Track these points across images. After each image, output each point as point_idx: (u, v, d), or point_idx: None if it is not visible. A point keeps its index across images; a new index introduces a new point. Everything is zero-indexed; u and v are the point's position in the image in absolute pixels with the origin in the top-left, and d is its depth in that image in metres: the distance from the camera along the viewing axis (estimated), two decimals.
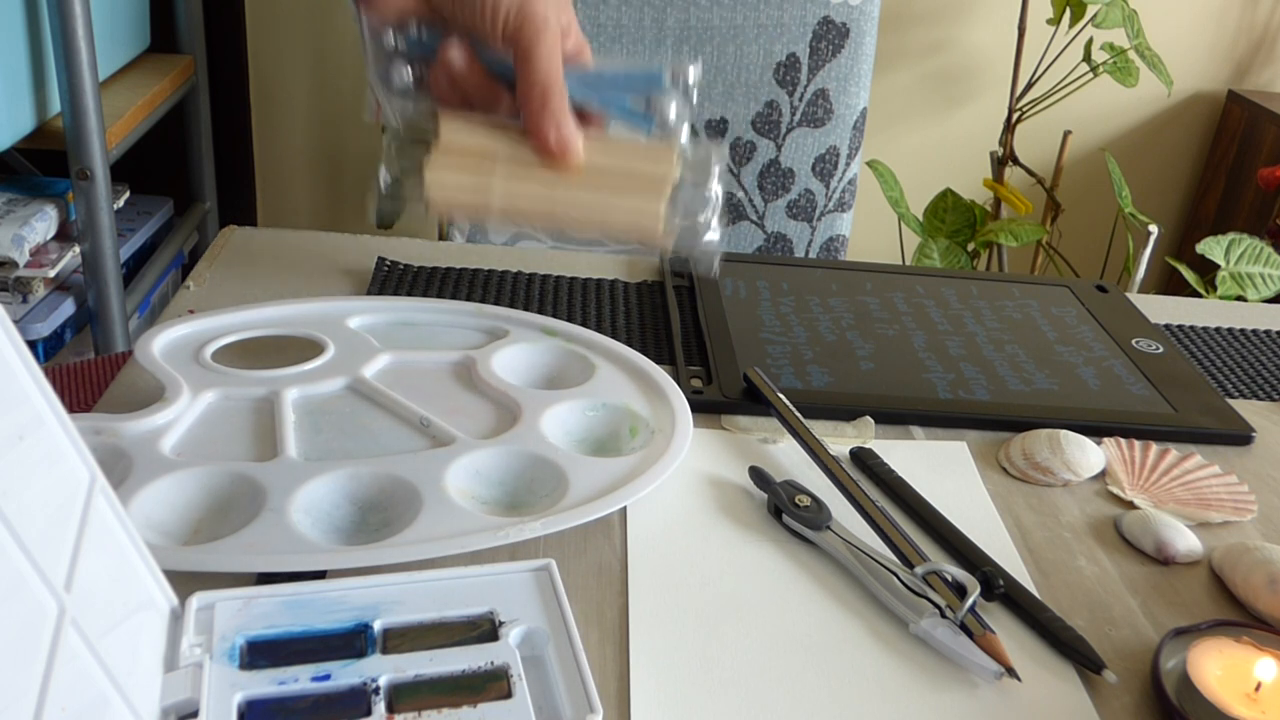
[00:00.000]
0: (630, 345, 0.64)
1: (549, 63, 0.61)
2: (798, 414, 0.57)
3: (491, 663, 0.40)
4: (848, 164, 1.18)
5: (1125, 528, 0.54)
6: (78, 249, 1.31)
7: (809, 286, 0.75)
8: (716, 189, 0.62)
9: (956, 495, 0.55)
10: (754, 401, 0.60)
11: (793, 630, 0.46)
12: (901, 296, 0.75)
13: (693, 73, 0.65)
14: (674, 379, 0.60)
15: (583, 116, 0.64)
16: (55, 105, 1.27)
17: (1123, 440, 0.60)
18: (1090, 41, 1.67)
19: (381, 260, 0.74)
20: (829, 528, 0.50)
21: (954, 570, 0.47)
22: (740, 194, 1.18)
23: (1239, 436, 0.63)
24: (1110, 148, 1.97)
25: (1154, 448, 0.60)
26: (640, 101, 0.64)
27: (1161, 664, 0.44)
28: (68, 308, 1.30)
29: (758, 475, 0.54)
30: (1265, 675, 0.43)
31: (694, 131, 0.66)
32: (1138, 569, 0.52)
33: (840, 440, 0.59)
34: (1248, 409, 0.66)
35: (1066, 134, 1.76)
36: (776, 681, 0.43)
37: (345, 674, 0.39)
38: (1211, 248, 1.52)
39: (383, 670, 0.39)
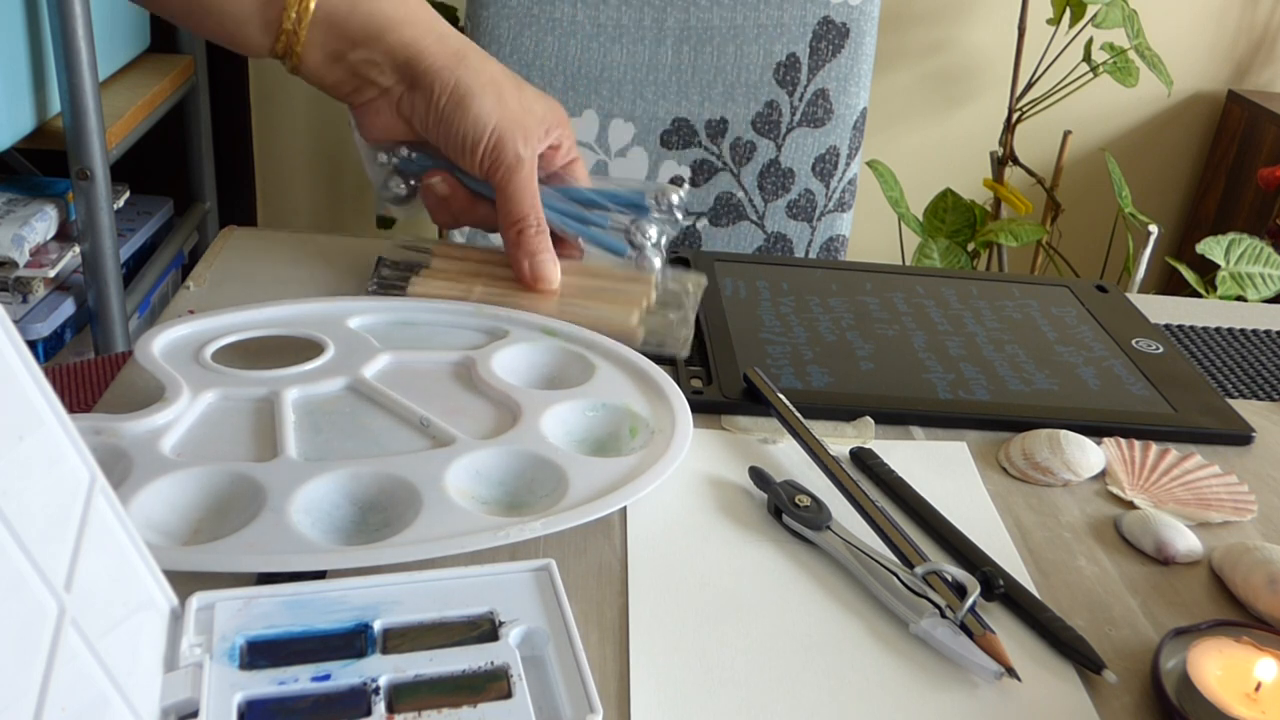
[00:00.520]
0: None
1: (522, 198, 0.67)
2: (798, 414, 0.57)
3: (491, 663, 0.40)
4: (848, 164, 1.18)
5: (1125, 528, 0.54)
6: (78, 249, 1.31)
7: (809, 286, 0.75)
8: (691, 313, 0.68)
9: (956, 495, 0.55)
10: (754, 401, 0.60)
11: (793, 630, 0.46)
12: (901, 296, 0.75)
13: (677, 196, 0.69)
14: (674, 379, 0.60)
15: (562, 240, 0.70)
16: (55, 105, 1.27)
17: (1123, 440, 0.60)
18: (1090, 41, 1.67)
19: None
20: (829, 528, 0.50)
21: (954, 570, 0.47)
22: (740, 194, 1.18)
23: (1239, 436, 0.63)
24: (1110, 148, 1.97)
25: (1154, 448, 0.60)
26: (621, 222, 0.69)
27: (1161, 664, 0.44)
28: (68, 308, 1.30)
29: (758, 475, 0.54)
30: (1265, 675, 0.43)
31: (683, 261, 0.70)
32: (1138, 569, 0.52)
33: (840, 440, 0.59)
34: (1248, 409, 0.66)
35: (1066, 134, 1.76)
36: (776, 681, 0.43)
37: (345, 674, 0.39)
38: (1211, 248, 1.52)
39: (383, 670, 0.39)
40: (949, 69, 1.91)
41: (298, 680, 0.38)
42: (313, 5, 0.62)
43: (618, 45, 1.11)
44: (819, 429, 0.58)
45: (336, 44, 0.64)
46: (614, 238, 0.70)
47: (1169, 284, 2.02)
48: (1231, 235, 1.53)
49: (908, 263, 1.82)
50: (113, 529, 0.36)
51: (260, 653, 0.40)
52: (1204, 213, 2.00)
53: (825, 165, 1.17)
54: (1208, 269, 1.58)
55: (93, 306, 1.33)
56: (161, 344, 0.58)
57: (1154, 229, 1.60)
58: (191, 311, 0.67)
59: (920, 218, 1.69)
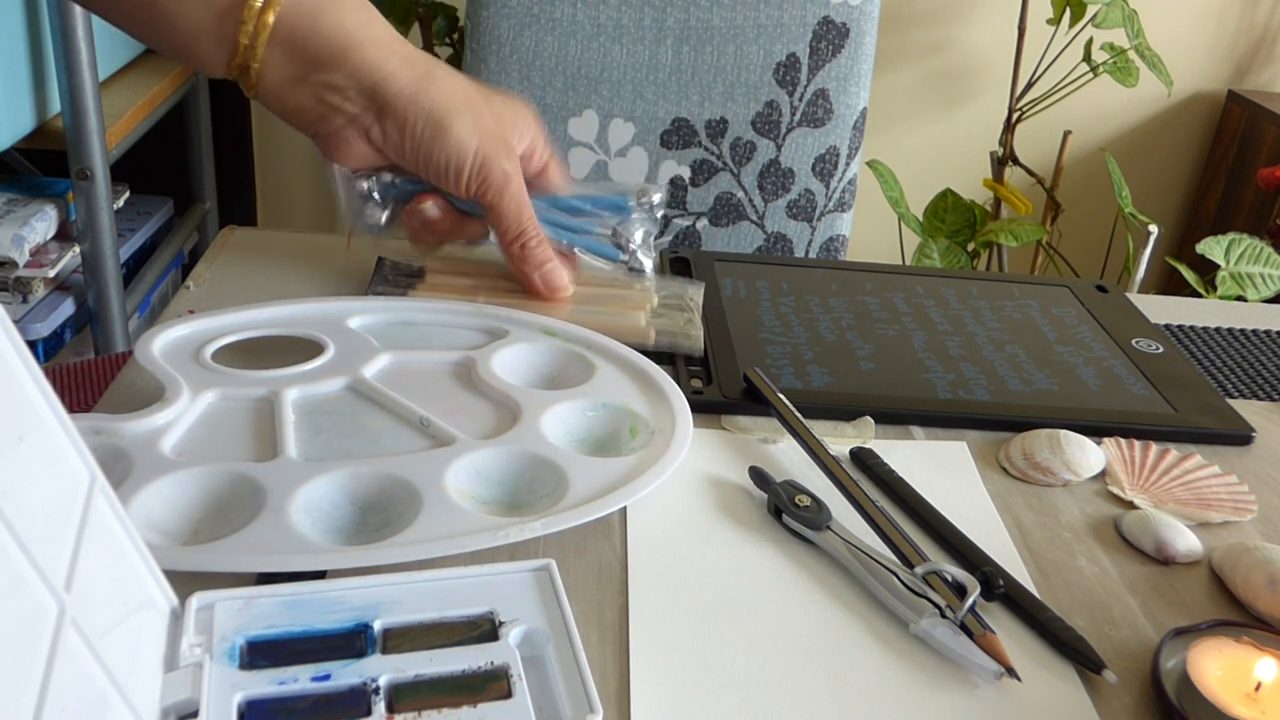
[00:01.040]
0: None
1: (518, 213, 0.65)
2: (798, 414, 0.57)
3: (491, 663, 0.40)
4: (848, 164, 1.18)
5: (1125, 528, 0.54)
6: (78, 249, 1.31)
7: (809, 286, 0.75)
8: (698, 314, 0.67)
9: (956, 495, 0.55)
10: (754, 401, 0.60)
11: (793, 630, 0.46)
12: (901, 296, 0.75)
13: (658, 196, 0.69)
14: (674, 379, 0.60)
15: (559, 251, 0.69)
16: (55, 105, 1.27)
17: (1123, 440, 0.60)
18: (1090, 41, 1.67)
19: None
20: (829, 528, 0.50)
21: (954, 570, 0.47)
22: (740, 194, 1.18)
23: (1239, 436, 0.63)
24: (1110, 148, 1.97)
25: (1154, 448, 0.60)
26: (608, 227, 0.68)
27: (1161, 664, 0.44)
28: (68, 308, 1.30)
29: (758, 475, 0.54)
30: (1265, 675, 0.43)
31: (683, 260, 0.71)
32: (1138, 569, 0.52)
33: (840, 440, 0.59)
34: (1248, 409, 0.66)
35: (1066, 134, 1.76)
36: (776, 681, 0.43)
37: (345, 674, 0.39)
38: (1211, 248, 1.52)
39: (383, 670, 0.39)
40: (949, 69, 1.91)
41: (298, 680, 0.38)
42: (271, 20, 0.58)
43: (618, 45, 1.11)
44: (819, 429, 0.58)
45: (297, 64, 0.60)
46: (603, 243, 0.69)
47: (1169, 284, 2.02)
48: (1231, 235, 1.53)
49: (908, 263, 1.82)
50: (113, 529, 0.36)
51: (260, 653, 0.40)
52: (1204, 213, 2.00)
53: (825, 165, 1.17)
54: (1208, 269, 1.58)
55: (93, 306, 1.33)
56: (161, 344, 0.58)
57: (1154, 229, 1.60)
58: (191, 311, 0.67)
59: (920, 218, 1.69)
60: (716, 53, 1.13)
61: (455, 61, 1.68)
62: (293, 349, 0.59)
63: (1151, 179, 2.02)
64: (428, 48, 1.69)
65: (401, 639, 0.41)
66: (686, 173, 1.17)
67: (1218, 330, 0.78)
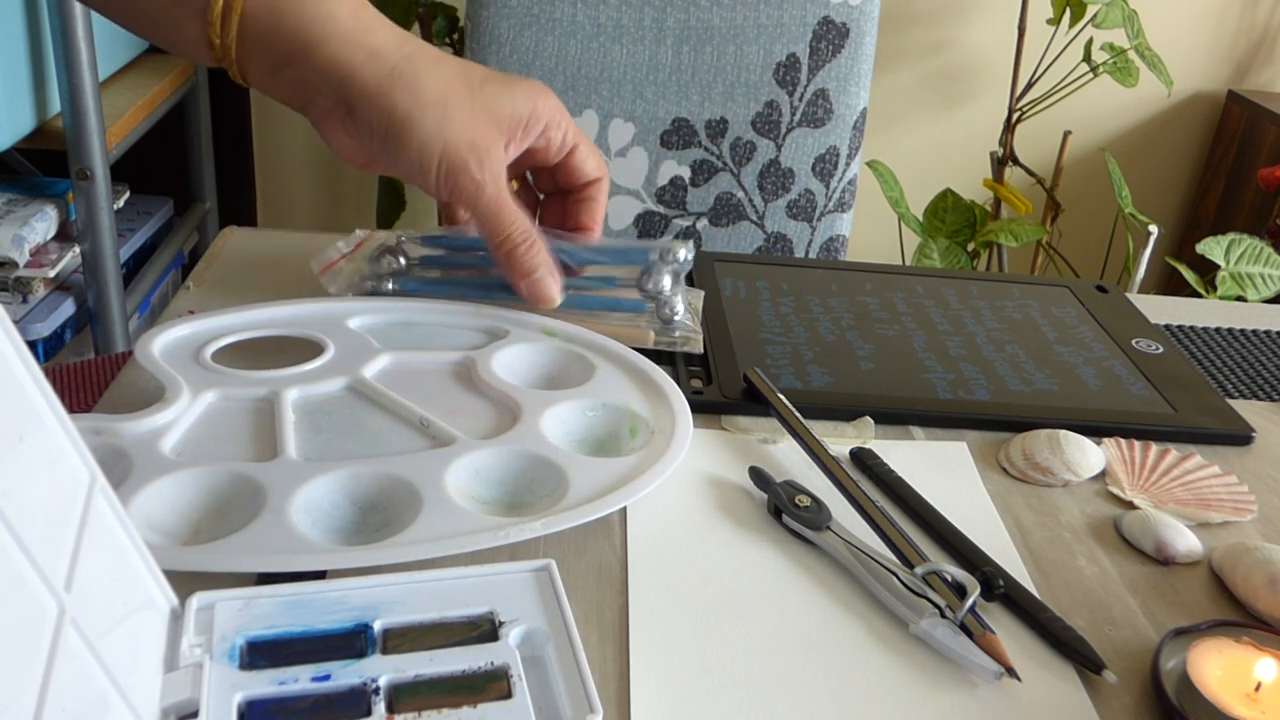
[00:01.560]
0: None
1: (496, 219, 0.61)
2: (798, 414, 0.57)
3: (491, 663, 0.40)
4: (848, 164, 1.18)
5: (1125, 528, 0.54)
6: (78, 249, 1.31)
7: (809, 286, 0.75)
8: (699, 316, 0.66)
9: (956, 495, 0.55)
10: (754, 402, 0.60)
11: (793, 630, 0.46)
12: (901, 296, 0.75)
13: (683, 253, 0.65)
14: (674, 379, 0.60)
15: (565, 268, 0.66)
16: (55, 105, 1.27)
17: (1123, 440, 0.60)
18: (1090, 41, 1.67)
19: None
20: (829, 528, 0.50)
21: (954, 570, 0.47)
22: (740, 194, 1.18)
23: (1239, 436, 0.63)
24: (1110, 148, 1.97)
25: (1154, 448, 0.60)
26: (631, 275, 0.65)
27: (1161, 664, 0.44)
28: (68, 308, 1.30)
29: (758, 475, 0.54)
30: (1265, 675, 0.43)
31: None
32: (1138, 569, 0.52)
33: (840, 440, 0.59)
34: (1248, 409, 0.66)
35: (1066, 134, 1.76)
36: (776, 681, 0.43)
37: (345, 674, 0.39)
38: (1211, 248, 1.52)
39: (383, 670, 0.39)
40: (949, 69, 1.91)
41: (298, 680, 0.38)
42: (235, 20, 0.56)
43: (618, 45, 1.11)
44: (819, 429, 0.58)
45: (268, 58, 0.58)
46: (625, 297, 0.66)
47: (1169, 284, 2.02)
48: (1231, 235, 1.53)
49: (908, 263, 1.82)
50: (113, 529, 0.36)
51: (260, 653, 0.40)
52: (1204, 213, 2.00)
53: (825, 165, 1.17)
54: (1208, 269, 1.58)
55: (93, 306, 1.33)
56: (161, 344, 0.58)
57: (1154, 229, 1.60)
58: (191, 311, 0.67)
59: (920, 218, 1.69)
60: (716, 53, 1.13)
61: None
62: (293, 349, 0.59)
63: (1151, 179, 2.02)
64: None
65: (401, 639, 0.41)
66: (686, 173, 1.17)
67: (1218, 330, 0.78)
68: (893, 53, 1.88)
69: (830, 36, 1.13)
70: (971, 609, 0.45)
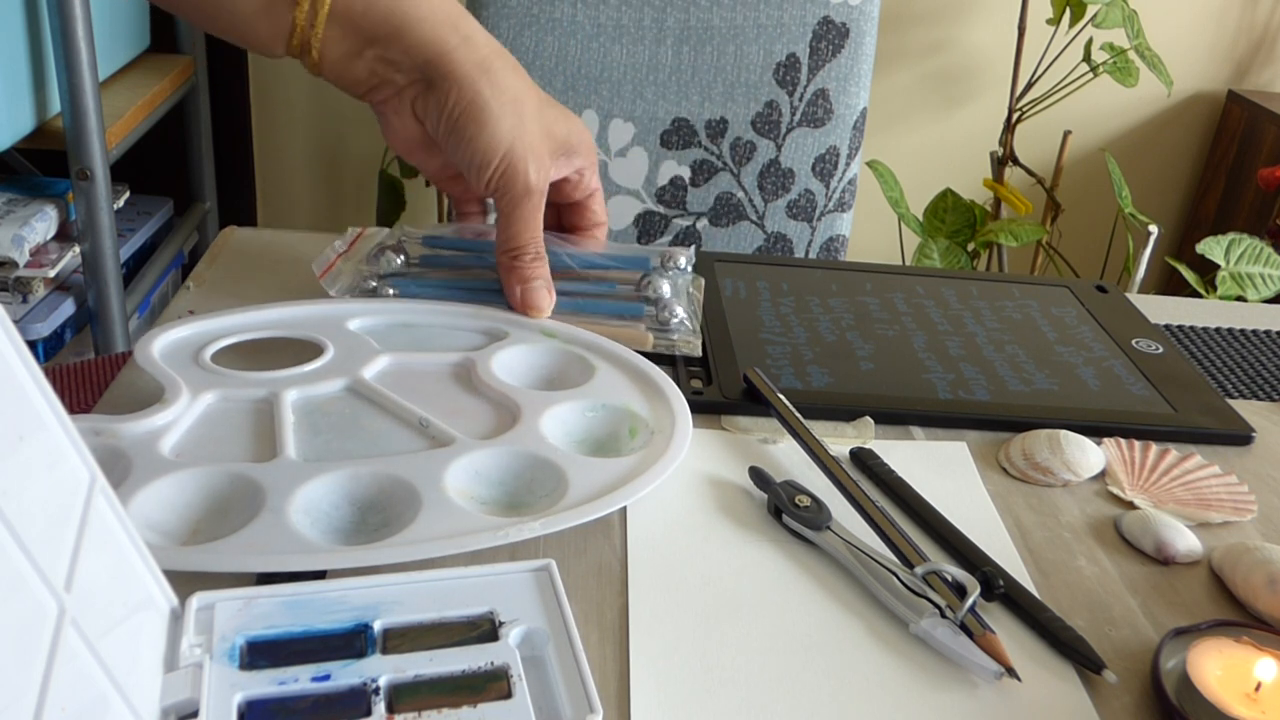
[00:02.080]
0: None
1: (524, 229, 0.64)
2: (798, 414, 0.57)
3: (491, 663, 0.40)
4: (848, 164, 1.18)
5: (1125, 528, 0.54)
6: (78, 249, 1.31)
7: (809, 286, 0.75)
8: (699, 311, 0.66)
9: (956, 495, 0.55)
10: (754, 402, 0.60)
11: (793, 630, 0.46)
12: (901, 296, 0.75)
13: (684, 258, 0.67)
14: (674, 379, 0.60)
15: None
16: (55, 105, 1.27)
17: (1123, 440, 0.60)
18: (1090, 41, 1.67)
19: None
20: (829, 528, 0.50)
21: (954, 570, 0.47)
22: (740, 194, 1.18)
23: (1239, 436, 0.63)
24: (1110, 148, 1.97)
25: (1154, 448, 0.60)
26: (630, 279, 0.66)
27: (1161, 664, 0.44)
28: (68, 308, 1.30)
29: (758, 475, 0.54)
30: (1265, 675, 0.43)
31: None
32: (1138, 569, 0.52)
33: (840, 440, 0.59)
34: (1248, 409, 0.66)
35: (1066, 134, 1.76)
36: (776, 681, 0.43)
37: (345, 674, 0.39)
38: (1211, 248, 1.52)
39: (383, 670, 0.39)
40: (949, 69, 1.91)
41: (298, 680, 0.38)
42: (326, 5, 0.59)
43: (618, 45, 1.11)
44: (819, 429, 0.58)
45: (354, 40, 0.60)
46: (623, 302, 0.66)
47: (1169, 284, 2.02)
48: (1231, 235, 1.53)
49: (908, 263, 1.82)
50: (113, 529, 0.36)
51: (260, 653, 0.40)
52: (1204, 213, 2.00)
53: (825, 165, 1.17)
54: (1208, 269, 1.58)
55: (93, 306, 1.33)
56: (161, 345, 0.58)
57: (1154, 229, 1.60)
58: (191, 312, 0.67)
59: (920, 218, 1.69)
60: (716, 53, 1.13)
61: None
62: (292, 350, 0.59)
63: (1151, 179, 2.02)
64: None
65: (401, 639, 0.41)
66: (686, 173, 1.17)
67: (1218, 330, 0.78)
68: (893, 53, 1.88)
69: (830, 36, 1.13)
70: (971, 609, 0.45)
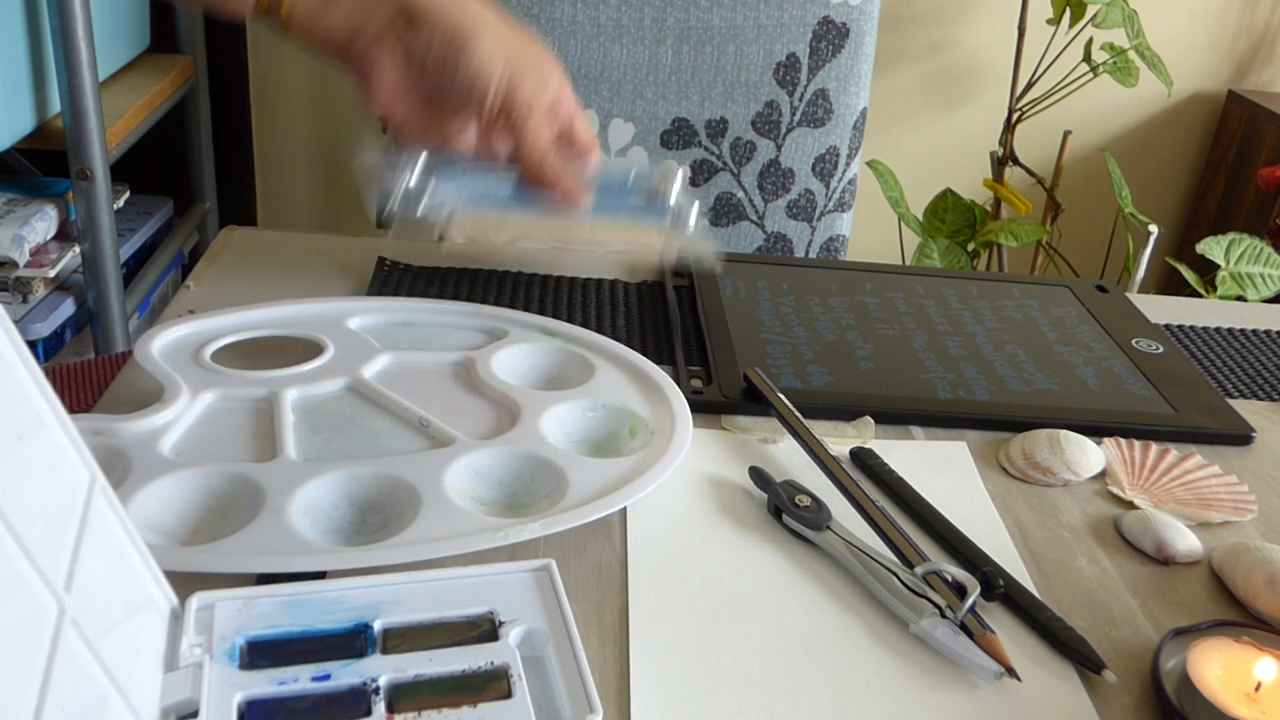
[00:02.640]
0: (630, 345, 0.64)
1: (539, 135, 0.63)
2: (798, 414, 0.57)
3: (491, 663, 0.40)
4: (848, 164, 1.18)
5: (1125, 528, 0.54)
6: (78, 249, 1.31)
7: (809, 286, 0.75)
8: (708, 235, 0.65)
9: (956, 495, 0.55)
10: (754, 401, 0.60)
11: (793, 630, 0.46)
12: (901, 296, 0.75)
13: (679, 176, 0.67)
14: (674, 379, 0.60)
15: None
16: (55, 105, 1.27)
17: (1123, 440, 0.60)
18: (1090, 41, 1.67)
19: (381, 260, 0.74)
20: (829, 528, 0.50)
21: (954, 570, 0.47)
22: (740, 194, 1.18)
23: (1239, 436, 0.62)
24: (1110, 148, 1.97)
25: (1154, 448, 0.60)
26: (641, 196, 0.66)
27: (1161, 664, 0.44)
28: (68, 308, 1.30)
29: (758, 475, 0.54)
30: (1265, 675, 0.43)
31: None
32: (1138, 569, 0.52)
33: (840, 440, 0.59)
34: (1248, 409, 0.66)
35: (1066, 134, 1.76)
36: (776, 681, 0.43)
37: (345, 674, 0.39)
38: (1211, 248, 1.52)
39: (383, 670, 0.39)
40: (949, 69, 1.91)
41: (298, 680, 0.38)
42: None
43: (618, 45, 1.11)
44: (819, 429, 0.58)
45: None
46: (646, 208, 0.67)
47: (1169, 284, 2.02)
48: (1231, 235, 1.53)
49: (908, 263, 1.82)
50: (113, 529, 0.36)
51: (260, 653, 0.40)
52: (1204, 213, 2.00)
53: (825, 165, 1.17)
54: (1208, 269, 1.58)
55: (93, 306, 1.33)
56: (161, 344, 0.58)
57: (1154, 229, 1.60)
58: (191, 311, 0.67)
59: (920, 218, 1.68)
60: (716, 53, 1.13)
61: None
62: (292, 349, 0.59)
63: (1151, 179, 2.02)
64: None
65: (401, 639, 0.41)
66: (687, 173, 1.17)
67: (1218, 330, 0.78)
68: (893, 53, 1.88)
69: (830, 36, 1.13)
70: (971, 609, 0.45)
